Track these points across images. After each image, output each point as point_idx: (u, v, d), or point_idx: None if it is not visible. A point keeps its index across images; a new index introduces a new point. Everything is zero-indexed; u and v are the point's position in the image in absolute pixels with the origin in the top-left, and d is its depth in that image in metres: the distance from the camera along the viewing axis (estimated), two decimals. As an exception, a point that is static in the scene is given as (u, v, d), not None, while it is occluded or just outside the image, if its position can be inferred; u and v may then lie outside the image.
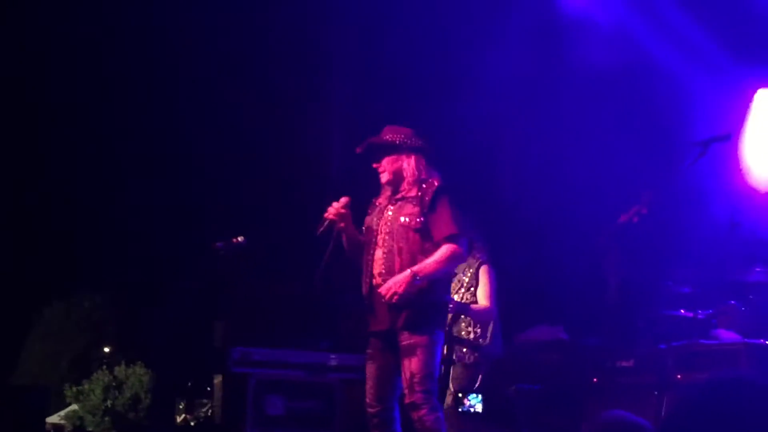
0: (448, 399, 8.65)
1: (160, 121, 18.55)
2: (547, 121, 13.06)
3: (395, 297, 6.87)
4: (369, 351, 7.22)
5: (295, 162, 16.31)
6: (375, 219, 7.27)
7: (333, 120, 15.48)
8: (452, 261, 7.07)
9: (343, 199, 7.22)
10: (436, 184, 7.15)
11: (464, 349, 8.78)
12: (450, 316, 8.42)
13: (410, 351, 6.90)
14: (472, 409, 10.22)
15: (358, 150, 7.29)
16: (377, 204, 7.34)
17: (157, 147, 19.57)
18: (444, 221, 7.05)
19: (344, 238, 7.32)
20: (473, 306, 8.82)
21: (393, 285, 6.88)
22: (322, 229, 7.27)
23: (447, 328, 8.35)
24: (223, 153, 18.24)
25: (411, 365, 6.88)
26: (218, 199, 18.43)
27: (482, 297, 8.89)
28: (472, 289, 8.90)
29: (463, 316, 8.76)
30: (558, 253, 12.68)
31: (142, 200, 21.64)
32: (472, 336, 8.81)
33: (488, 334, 8.86)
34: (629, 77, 12.44)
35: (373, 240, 7.21)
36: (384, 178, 7.27)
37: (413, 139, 7.26)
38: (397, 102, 13.74)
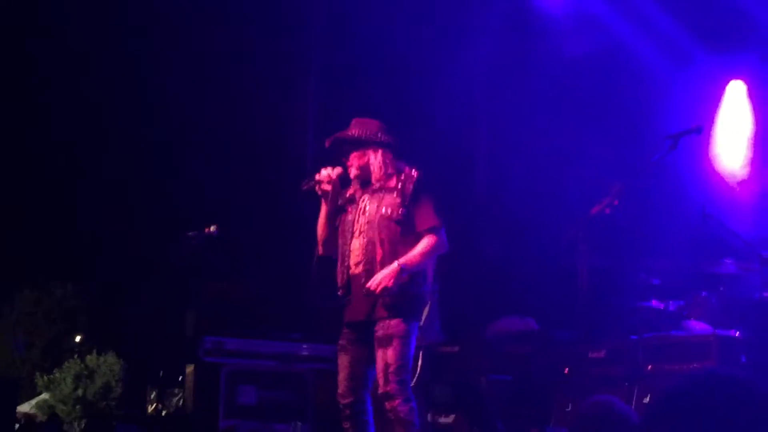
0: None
1: (136, 113, 18.48)
2: (519, 112, 13.05)
3: (384, 291, 6.85)
4: (341, 342, 7.18)
5: (270, 153, 16.26)
6: (350, 209, 7.24)
7: (308, 112, 15.45)
8: (435, 252, 7.06)
9: (338, 169, 7.20)
10: (415, 175, 7.12)
11: None
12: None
13: (386, 341, 6.88)
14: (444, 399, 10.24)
15: (327, 145, 7.26)
16: (348, 195, 7.31)
17: (130, 137, 19.50)
18: (426, 213, 7.03)
19: (324, 207, 7.29)
20: None
21: (382, 279, 6.85)
22: (307, 186, 7.25)
23: None
24: (197, 144, 18.18)
25: (386, 355, 6.86)
26: (191, 188, 18.36)
27: None
28: None
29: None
30: (529, 244, 12.68)
31: (115, 189, 21.57)
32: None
33: (423, 317, 8.49)
34: (601, 69, 12.46)
35: (349, 230, 7.18)
36: (351, 172, 7.24)
37: (379, 133, 7.22)
38: (371, 93, 13.70)
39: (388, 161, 7.20)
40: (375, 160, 7.18)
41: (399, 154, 7.28)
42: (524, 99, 13.02)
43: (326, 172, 7.20)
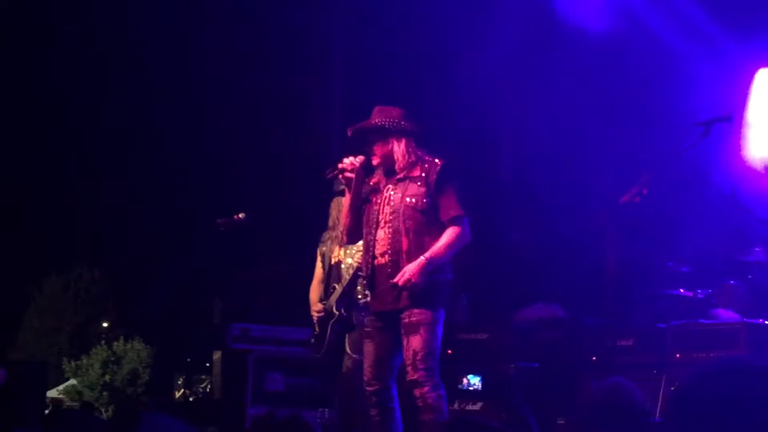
0: (347, 362, 8.39)
1: (163, 97, 18.52)
2: (547, 100, 13.01)
3: (410, 284, 6.85)
4: (367, 329, 7.18)
5: (296, 141, 16.28)
6: (374, 198, 7.23)
7: (333, 100, 15.45)
8: (459, 243, 7.03)
9: (360, 157, 7.19)
10: (439, 163, 7.10)
11: (362, 313, 8.06)
12: (347, 278, 8.26)
13: (413, 329, 6.86)
14: (471, 388, 10.23)
15: (349, 134, 7.24)
16: (372, 184, 7.29)
17: (159, 123, 19.55)
18: (450, 202, 7.01)
19: (348, 196, 7.29)
20: None
21: (408, 273, 6.85)
22: (331, 174, 7.27)
23: (346, 290, 8.21)
24: (225, 131, 18.22)
25: (413, 343, 6.85)
26: (220, 176, 18.40)
27: None
28: None
29: (361, 279, 8.14)
30: (557, 232, 12.66)
31: (144, 175, 21.64)
32: (368, 299, 8.03)
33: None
34: (631, 57, 12.41)
35: (374, 219, 7.16)
36: (374, 161, 7.22)
37: (402, 122, 7.20)
38: (396, 81, 13.70)
39: (411, 149, 7.17)
40: (398, 148, 7.16)
41: (422, 142, 7.27)
42: (550, 87, 12.99)
43: (349, 160, 7.19)
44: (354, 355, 8.15)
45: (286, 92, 16.26)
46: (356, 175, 7.21)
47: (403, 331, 6.91)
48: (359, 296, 8.25)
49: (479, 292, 12.48)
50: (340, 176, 7.24)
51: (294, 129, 16.48)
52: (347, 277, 8.29)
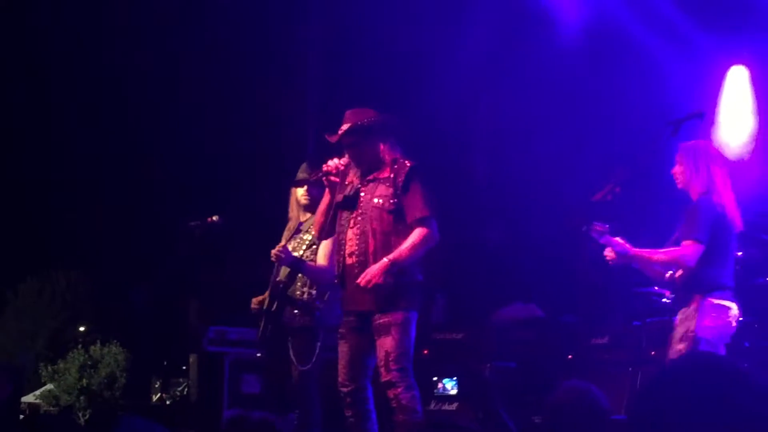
0: (294, 373, 8.28)
1: (138, 98, 18.49)
2: (520, 97, 13.04)
3: (371, 285, 6.88)
4: (341, 330, 7.22)
5: (271, 141, 16.27)
6: (346, 201, 7.26)
7: (308, 100, 15.45)
8: (425, 245, 7.05)
9: (345, 159, 7.20)
10: (408, 165, 7.13)
11: (295, 311, 8.11)
12: (282, 270, 8.15)
13: (384, 330, 6.91)
14: (447, 393, 10.26)
15: (333, 140, 7.23)
16: (347, 183, 7.32)
17: (133, 124, 19.52)
18: (417, 203, 7.04)
19: (327, 197, 7.30)
20: (310, 263, 8.11)
21: (370, 275, 6.88)
22: (315, 177, 7.28)
23: (280, 284, 8.12)
24: (199, 133, 18.19)
25: (386, 344, 6.89)
26: (193, 177, 18.38)
27: (321, 256, 8.12)
28: (314, 247, 8.16)
29: (300, 275, 8.12)
30: (532, 231, 12.70)
31: (119, 177, 21.60)
32: (306, 297, 8.10)
33: (325, 298, 8.09)
34: (604, 55, 12.44)
35: (345, 220, 7.20)
36: (356, 161, 7.23)
37: (380, 121, 7.23)
38: (369, 83, 13.69)
39: (385, 150, 7.21)
40: (371, 149, 7.19)
41: (396, 142, 7.29)
42: (523, 86, 13.02)
43: (334, 163, 7.21)
44: (300, 367, 8.08)
45: (262, 96, 16.26)
46: (340, 177, 7.23)
47: (375, 333, 6.95)
48: (297, 292, 8.13)
49: (456, 291, 12.51)
50: (325, 179, 7.25)
51: (270, 132, 16.47)
52: (284, 271, 8.16)
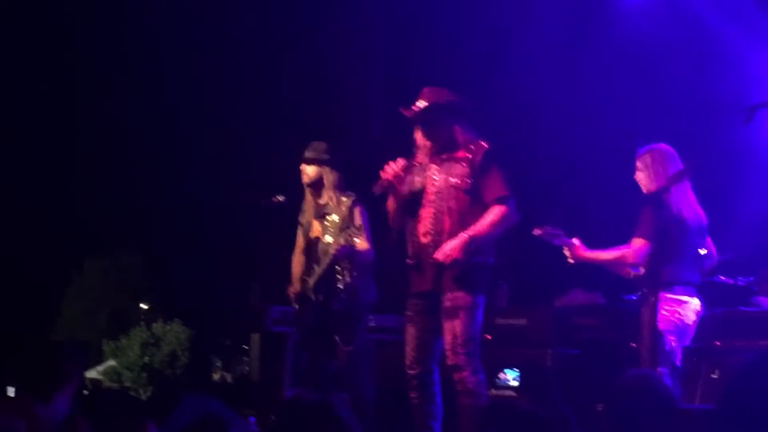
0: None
1: (198, 82, 18.57)
2: (590, 86, 12.92)
3: (451, 261, 6.80)
4: (408, 313, 7.16)
5: (335, 123, 16.23)
6: (418, 179, 7.18)
7: (372, 81, 15.40)
8: (504, 223, 6.98)
9: (401, 161, 7.13)
10: (485, 146, 7.07)
11: (342, 296, 8.09)
12: (327, 260, 8.07)
13: (453, 313, 6.85)
14: (508, 383, 10.16)
15: (410, 114, 7.15)
16: (416, 164, 7.25)
17: (195, 107, 19.62)
18: (495, 183, 6.98)
19: (394, 201, 7.23)
20: (360, 250, 8.05)
21: (449, 250, 6.81)
22: (379, 189, 7.20)
23: (325, 273, 8.07)
24: (259, 114, 18.23)
25: (454, 327, 6.84)
26: (260, 157, 18.43)
27: (365, 239, 8.09)
28: (348, 229, 8.00)
29: (343, 261, 8.07)
30: (598, 218, 12.54)
31: (183, 159, 21.73)
32: (349, 280, 8.10)
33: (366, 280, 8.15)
34: (674, 41, 12.30)
35: (418, 200, 7.14)
36: (431, 138, 7.15)
37: (459, 102, 7.17)
38: (435, 68, 13.61)
39: (460, 130, 7.14)
40: (447, 129, 7.12)
41: (472, 123, 7.22)
42: (598, 75, 12.90)
43: (392, 170, 7.11)
44: (345, 347, 8.06)
45: (328, 80, 16.25)
46: (401, 181, 7.15)
47: (443, 315, 6.90)
48: (339, 277, 8.11)
49: (519, 277, 12.42)
50: (389, 188, 7.16)
51: (335, 113, 16.45)
52: (326, 259, 8.11)
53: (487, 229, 6.88)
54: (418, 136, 7.20)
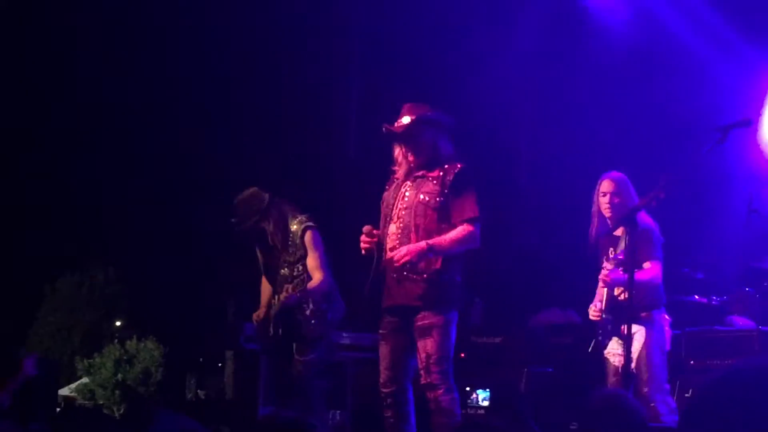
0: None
1: (176, 95, 18.53)
2: (564, 102, 12.97)
3: (405, 263, 6.82)
4: (382, 331, 7.17)
5: (311, 138, 16.24)
6: (392, 194, 7.21)
7: (350, 106, 15.39)
8: (466, 243, 7.00)
9: (366, 228, 7.14)
10: (458, 166, 7.08)
11: (313, 322, 8.02)
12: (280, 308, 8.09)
13: (426, 331, 6.87)
14: (480, 404, 10.18)
15: (398, 130, 7.14)
16: (395, 179, 7.29)
17: (170, 119, 19.57)
18: (466, 204, 7.00)
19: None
20: (311, 286, 7.99)
21: (406, 252, 6.83)
22: (369, 288, 7.19)
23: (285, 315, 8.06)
24: (235, 130, 18.20)
25: (427, 346, 6.85)
26: (233, 173, 18.40)
27: (314, 267, 8.08)
28: (298, 265, 8.09)
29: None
30: (571, 236, 12.57)
31: (158, 174, 21.66)
32: (313, 307, 7.97)
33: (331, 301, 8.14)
34: (649, 60, 12.36)
35: (389, 215, 7.17)
36: (414, 153, 7.14)
37: (442, 117, 7.21)
38: (411, 82, 13.63)
39: (443, 145, 7.16)
40: (430, 144, 7.13)
41: (452, 138, 7.24)
42: (570, 89, 12.94)
43: (366, 242, 7.10)
44: (300, 357, 8.06)
45: (303, 93, 16.23)
46: (379, 245, 7.16)
47: (416, 334, 6.91)
48: (304, 306, 8.02)
49: (494, 295, 12.45)
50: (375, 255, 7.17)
51: (311, 129, 16.45)
52: (279, 306, 8.10)
53: (448, 244, 6.90)
54: (399, 153, 7.21)
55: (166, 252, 25.34)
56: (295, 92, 16.18)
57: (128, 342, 29.69)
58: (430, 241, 6.86)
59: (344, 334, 11.04)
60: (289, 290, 7.90)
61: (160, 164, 21.23)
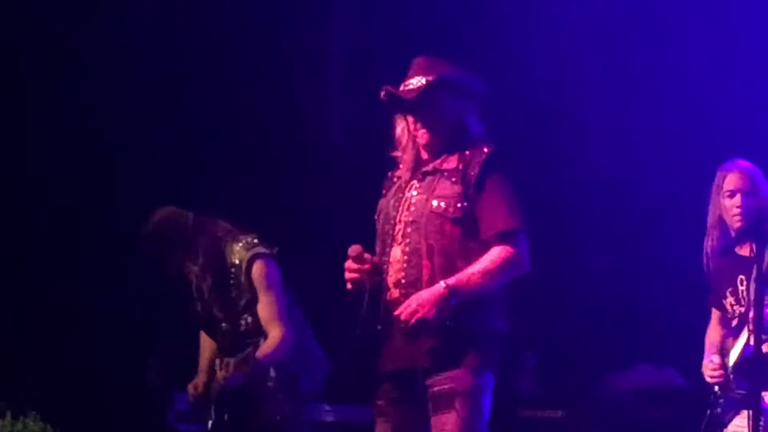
0: None
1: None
2: (655, 56, 12.96)
3: (416, 321, 6.67)
4: (379, 402, 7.11)
5: (277, 115, 16.19)
6: (392, 202, 7.07)
7: (333, 64, 15.28)
8: (509, 271, 6.85)
9: (353, 250, 6.98)
10: (485, 151, 6.92)
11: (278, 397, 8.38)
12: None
13: (444, 402, 6.77)
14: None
15: (407, 96, 7.00)
16: (395, 180, 7.16)
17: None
18: (498, 208, 6.85)
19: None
20: (261, 354, 8.20)
21: (417, 305, 6.67)
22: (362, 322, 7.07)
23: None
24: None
25: (446, 423, 6.76)
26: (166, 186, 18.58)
27: (268, 320, 8.34)
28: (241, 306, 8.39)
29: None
30: (669, 256, 12.52)
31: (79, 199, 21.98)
32: (278, 376, 8.35)
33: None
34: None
35: (390, 233, 7.02)
36: (430, 130, 7.01)
37: (470, 80, 7.07)
38: (421, 29, 13.54)
39: (473, 122, 7.03)
40: (457, 118, 7.00)
41: (480, 117, 7.12)
42: (661, 40, 12.98)
43: (354, 271, 7.03)
44: None
45: (262, 45, 16.24)
46: (372, 272, 6.99)
47: (430, 405, 6.79)
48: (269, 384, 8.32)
49: (554, 348, 12.39)
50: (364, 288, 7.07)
51: (272, 101, 16.44)
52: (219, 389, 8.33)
53: (480, 280, 6.74)
54: (403, 133, 7.08)
55: (60, 290, 25.36)
56: (253, 45, 16.03)
57: (1, 422, 29.81)
58: (451, 281, 6.70)
59: (326, 407, 10.99)
60: (230, 367, 7.91)
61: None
